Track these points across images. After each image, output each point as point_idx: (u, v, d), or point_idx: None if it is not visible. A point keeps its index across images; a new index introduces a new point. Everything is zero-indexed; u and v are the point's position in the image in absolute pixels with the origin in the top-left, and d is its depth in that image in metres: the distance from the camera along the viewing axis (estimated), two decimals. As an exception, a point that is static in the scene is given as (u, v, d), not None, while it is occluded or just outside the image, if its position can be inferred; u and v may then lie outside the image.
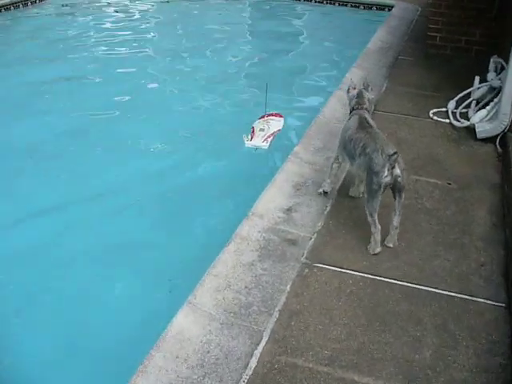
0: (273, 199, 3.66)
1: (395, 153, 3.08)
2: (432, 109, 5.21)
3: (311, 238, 3.35)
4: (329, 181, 3.73)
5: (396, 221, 3.27)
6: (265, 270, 3.04)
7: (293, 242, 3.30)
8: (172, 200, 4.43)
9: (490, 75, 5.31)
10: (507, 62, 4.89)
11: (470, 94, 5.29)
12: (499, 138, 4.59)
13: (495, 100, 4.71)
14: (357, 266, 3.16)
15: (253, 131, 5.09)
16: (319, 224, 3.49)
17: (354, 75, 5.79)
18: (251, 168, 4.83)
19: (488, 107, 4.72)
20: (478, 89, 5.27)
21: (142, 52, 8.13)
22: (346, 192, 3.81)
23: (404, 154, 4.26)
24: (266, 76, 6.64)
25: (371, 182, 3.17)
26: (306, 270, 3.10)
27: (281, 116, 5.40)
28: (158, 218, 4.26)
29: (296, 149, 4.27)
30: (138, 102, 6.36)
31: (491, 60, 5.49)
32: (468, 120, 4.91)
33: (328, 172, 3.74)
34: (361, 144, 3.29)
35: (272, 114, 5.36)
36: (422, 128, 4.88)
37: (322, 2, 10.72)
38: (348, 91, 3.81)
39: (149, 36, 9.18)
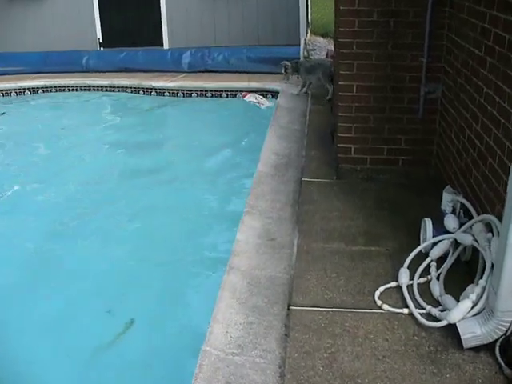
0: None
1: None
2: (376, 285, 3.48)
3: None
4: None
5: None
6: None
7: None
8: None
9: (450, 221, 3.69)
10: (478, 206, 3.39)
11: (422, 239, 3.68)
12: (499, 345, 2.88)
13: (481, 283, 3.02)
14: None
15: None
16: None
17: (249, 231, 4.02)
18: None
19: (472, 296, 3.01)
20: (433, 244, 3.64)
21: None
22: None
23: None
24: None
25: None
26: None
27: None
28: None
29: None
30: None
31: (444, 194, 3.88)
32: (434, 301, 3.30)
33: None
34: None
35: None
36: (374, 335, 3.10)
37: (191, 94, 9.11)
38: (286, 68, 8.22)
39: None
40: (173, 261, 4.47)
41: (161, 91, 9.78)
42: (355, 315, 3.24)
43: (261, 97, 8.93)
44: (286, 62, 8.27)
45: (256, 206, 4.56)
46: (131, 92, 10.02)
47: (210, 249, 4.67)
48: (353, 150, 5.03)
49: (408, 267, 3.59)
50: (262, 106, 8.59)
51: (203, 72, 10.57)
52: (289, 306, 3.34)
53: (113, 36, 11.77)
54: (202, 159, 6.81)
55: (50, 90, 10.42)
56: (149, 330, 3.77)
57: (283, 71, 8.23)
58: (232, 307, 3.29)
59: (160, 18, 11.44)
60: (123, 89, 10.05)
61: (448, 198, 3.80)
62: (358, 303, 3.35)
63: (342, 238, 4.08)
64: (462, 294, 3.12)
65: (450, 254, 3.61)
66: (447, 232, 3.65)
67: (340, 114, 4.94)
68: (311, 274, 3.64)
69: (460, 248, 3.56)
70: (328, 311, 3.28)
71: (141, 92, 9.93)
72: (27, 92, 10.45)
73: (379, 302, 3.32)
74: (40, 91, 10.46)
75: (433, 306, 3.23)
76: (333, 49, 8.95)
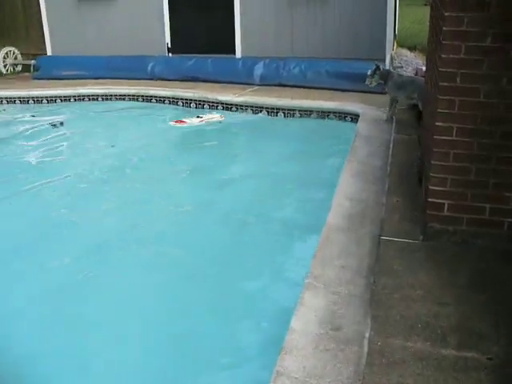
0: None
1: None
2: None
3: None
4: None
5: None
6: None
7: None
8: None
9: None
10: None
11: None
12: None
13: None
14: None
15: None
16: None
17: (308, 315, 3.18)
18: None
19: None
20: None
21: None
22: None
23: None
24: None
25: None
26: None
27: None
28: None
29: None
30: None
31: None
32: None
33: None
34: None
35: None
36: None
37: (260, 111, 8.40)
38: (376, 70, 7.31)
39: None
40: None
41: (227, 106, 9.01)
42: None
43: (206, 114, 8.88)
44: (380, 64, 7.54)
45: (321, 275, 3.69)
46: (195, 107, 9.29)
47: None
48: (446, 206, 4.08)
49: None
50: (222, 119, 8.67)
51: (276, 86, 9.74)
52: None
53: (182, 41, 11.14)
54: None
55: (110, 99, 9.88)
56: None
57: (370, 72, 7.38)
58: None
59: (233, 24, 10.68)
60: (187, 102, 9.35)
61: None
62: None
63: (428, 334, 3.16)
64: None
65: None
66: None
67: (433, 162, 4.01)
68: (386, 393, 2.75)
69: None
70: None
71: (206, 106, 9.20)
72: (86, 99, 9.93)
73: None
74: (100, 99, 9.93)
75: None
76: (423, 68, 8.00)
